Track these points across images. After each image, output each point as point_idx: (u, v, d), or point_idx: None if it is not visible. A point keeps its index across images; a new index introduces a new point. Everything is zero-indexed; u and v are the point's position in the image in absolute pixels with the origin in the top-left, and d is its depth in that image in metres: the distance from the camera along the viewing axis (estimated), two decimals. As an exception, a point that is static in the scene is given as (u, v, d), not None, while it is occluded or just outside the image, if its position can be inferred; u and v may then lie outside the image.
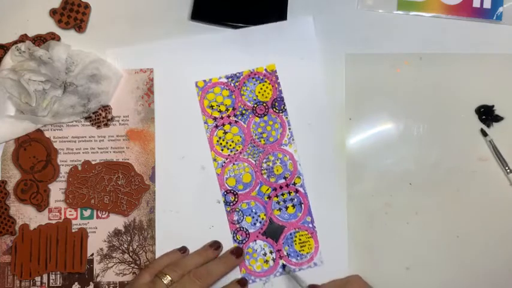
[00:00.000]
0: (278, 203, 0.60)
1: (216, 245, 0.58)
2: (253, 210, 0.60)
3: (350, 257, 0.59)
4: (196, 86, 0.62)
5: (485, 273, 0.60)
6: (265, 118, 0.61)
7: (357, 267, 0.59)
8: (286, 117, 0.61)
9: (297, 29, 0.62)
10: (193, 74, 0.62)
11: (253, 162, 0.61)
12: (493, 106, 0.61)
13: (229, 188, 0.60)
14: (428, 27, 0.62)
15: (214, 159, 0.61)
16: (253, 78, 0.62)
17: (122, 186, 0.60)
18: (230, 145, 0.61)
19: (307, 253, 0.60)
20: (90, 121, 0.61)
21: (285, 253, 0.60)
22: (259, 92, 0.62)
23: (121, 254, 0.60)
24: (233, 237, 0.60)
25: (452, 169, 0.61)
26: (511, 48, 0.62)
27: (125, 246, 0.60)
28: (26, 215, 0.60)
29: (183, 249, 0.58)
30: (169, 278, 0.54)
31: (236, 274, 0.59)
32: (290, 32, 0.62)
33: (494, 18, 0.62)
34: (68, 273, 0.59)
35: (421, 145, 0.61)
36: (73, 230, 0.60)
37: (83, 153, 0.60)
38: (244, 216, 0.60)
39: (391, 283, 0.60)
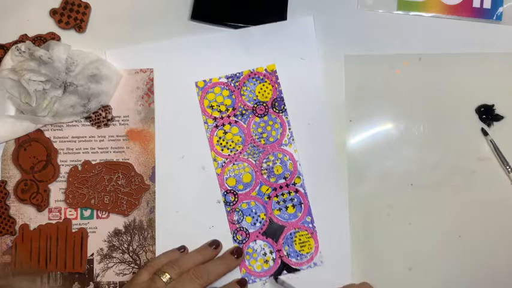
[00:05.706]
0: (278, 203, 0.60)
1: (215, 244, 0.58)
2: (253, 210, 0.60)
3: (352, 258, 0.59)
4: (196, 86, 0.62)
5: (487, 273, 0.60)
6: (265, 118, 0.61)
7: (359, 269, 0.59)
8: (286, 117, 0.61)
9: (297, 29, 0.62)
10: (193, 74, 0.62)
11: (253, 162, 0.61)
12: (493, 105, 0.61)
13: (229, 188, 0.60)
14: (428, 27, 0.62)
15: (214, 159, 0.61)
16: (253, 78, 0.62)
17: (122, 186, 0.60)
18: (230, 145, 0.61)
19: (307, 253, 0.60)
20: (90, 121, 0.61)
21: (285, 253, 0.60)
22: (259, 92, 0.62)
23: (121, 254, 0.59)
24: (233, 237, 0.60)
25: (453, 169, 0.61)
26: (511, 48, 0.62)
27: (125, 246, 0.59)
28: (26, 215, 0.60)
29: (182, 248, 0.58)
30: (168, 276, 0.54)
31: (236, 274, 0.59)
32: (290, 32, 0.62)
33: (494, 18, 0.62)
34: (68, 273, 0.59)
35: (422, 145, 0.61)
36: (73, 230, 0.59)
37: (83, 153, 0.60)
38: (244, 216, 0.60)
39: (393, 284, 0.60)
